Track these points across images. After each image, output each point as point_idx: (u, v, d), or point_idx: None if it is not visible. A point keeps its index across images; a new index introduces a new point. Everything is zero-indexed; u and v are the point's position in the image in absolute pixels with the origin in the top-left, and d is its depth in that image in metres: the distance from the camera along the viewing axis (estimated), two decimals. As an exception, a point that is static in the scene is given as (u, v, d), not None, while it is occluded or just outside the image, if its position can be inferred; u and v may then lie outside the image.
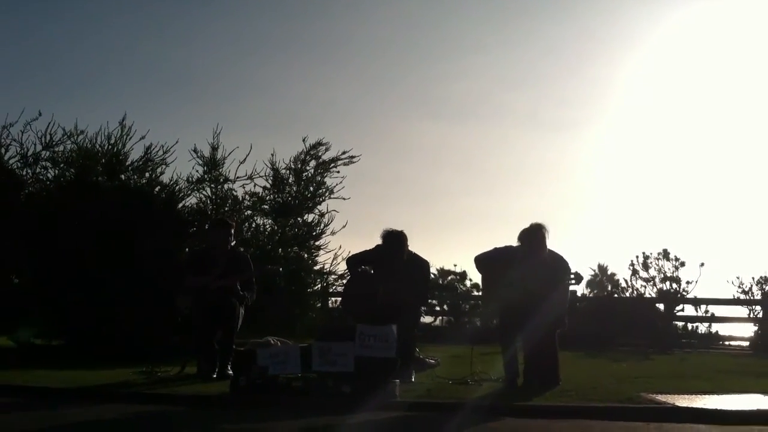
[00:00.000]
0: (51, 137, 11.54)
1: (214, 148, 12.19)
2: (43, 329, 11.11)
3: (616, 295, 16.56)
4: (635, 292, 15.86)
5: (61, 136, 11.60)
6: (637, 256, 15.88)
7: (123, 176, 11.79)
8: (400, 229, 8.24)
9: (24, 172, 11.64)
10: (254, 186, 12.46)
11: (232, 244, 8.80)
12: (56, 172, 11.75)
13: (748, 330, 15.42)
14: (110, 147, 11.69)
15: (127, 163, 11.80)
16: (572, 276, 7.66)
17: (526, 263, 7.48)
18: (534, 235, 7.61)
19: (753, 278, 15.36)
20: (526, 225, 7.67)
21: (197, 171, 12.15)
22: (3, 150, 11.53)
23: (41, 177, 11.74)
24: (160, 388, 7.19)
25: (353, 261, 8.62)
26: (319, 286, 13.22)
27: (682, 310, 15.06)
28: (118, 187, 11.47)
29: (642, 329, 14.10)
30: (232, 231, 8.75)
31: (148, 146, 11.83)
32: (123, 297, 10.09)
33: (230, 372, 7.77)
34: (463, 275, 18.66)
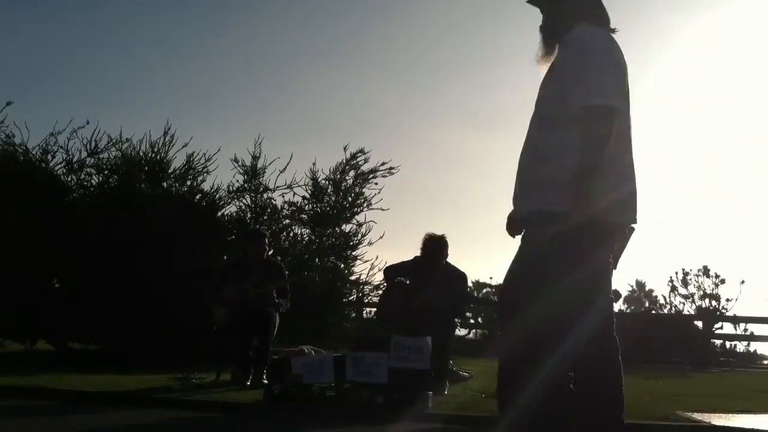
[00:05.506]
0: (96, 144, 11.75)
1: (255, 158, 12.33)
2: (82, 334, 11.29)
3: (654, 312, 16.42)
4: (674, 308, 15.73)
5: (106, 144, 11.82)
6: (677, 273, 15.79)
7: (165, 184, 11.96)
8: (441, 233, 8.30)
9: (69, 179, 11.86)
10: (293, 195, 12.58)
11: (269, 253, 8.88)
12: (100, 178, 11.95)
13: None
14: (153, 155, 11.85)
15: (170, 171, 11.97)
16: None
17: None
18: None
19: (795, 297, 15.23)
20: None
21: (237, 180, 12.31)
22: (49, 156, 11.75)
23: (85, 183, 11.95)
24: (195, 395, 7.24)
25: (390, 271, 8.65)
26: (355, 296, 13.27)
27: (721, 327, 14.88)
28: (160, 195, 11.64)
29: (680, 347, 13.94)
30: (267, 241, 8.84)
31: (191, 154, 12.01)
32: (161, 303, 10.21)
33: (265, 380, 7.84)
34: (498, 288, 18.60)
